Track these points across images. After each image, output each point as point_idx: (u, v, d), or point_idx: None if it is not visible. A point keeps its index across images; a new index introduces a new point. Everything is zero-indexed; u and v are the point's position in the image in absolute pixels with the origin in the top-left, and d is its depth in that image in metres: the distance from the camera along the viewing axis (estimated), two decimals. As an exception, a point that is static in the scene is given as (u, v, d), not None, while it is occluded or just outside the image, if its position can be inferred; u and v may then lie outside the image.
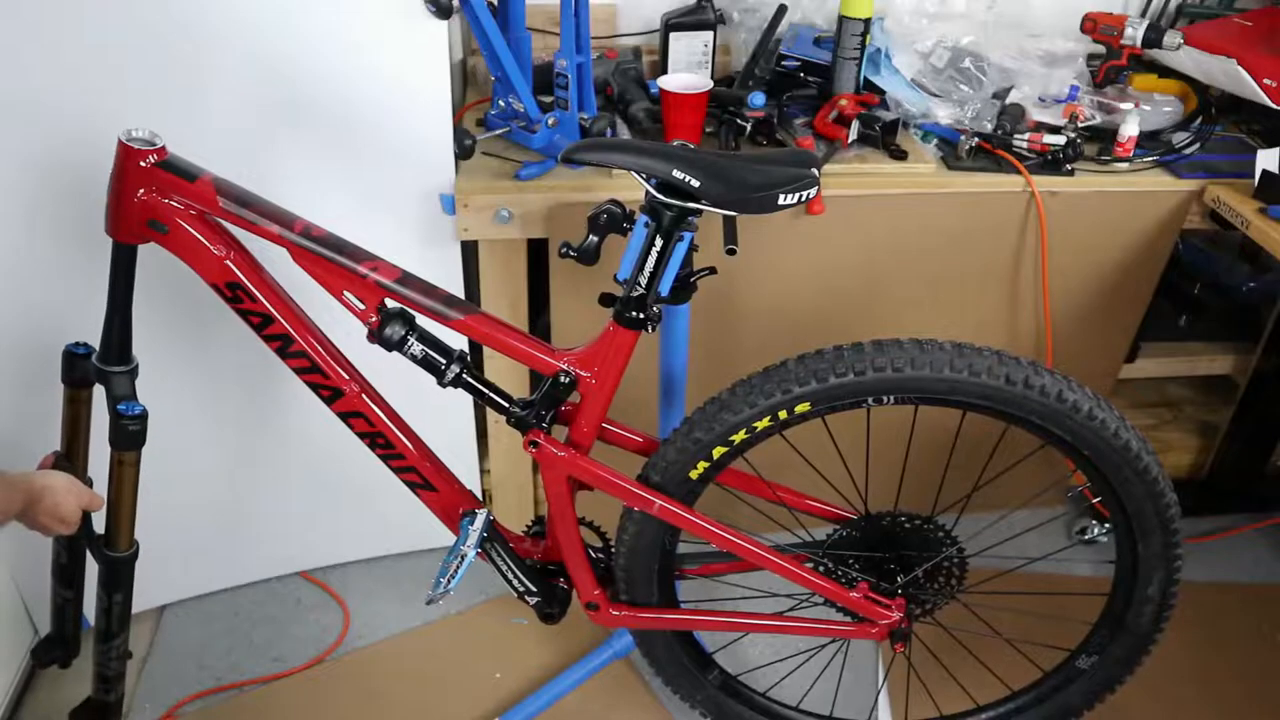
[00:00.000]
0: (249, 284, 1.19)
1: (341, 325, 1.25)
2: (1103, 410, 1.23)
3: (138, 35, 1.32)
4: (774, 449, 1.34)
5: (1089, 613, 1.48)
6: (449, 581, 1.26)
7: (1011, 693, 1.55)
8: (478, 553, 1.31)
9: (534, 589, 1.40)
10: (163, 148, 1.13)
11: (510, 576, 1.38)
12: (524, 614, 1.85)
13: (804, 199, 1.15)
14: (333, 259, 1.17)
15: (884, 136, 1.66)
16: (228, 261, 1.17)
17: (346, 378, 1.26)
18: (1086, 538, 2.06)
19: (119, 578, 1.34)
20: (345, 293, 1.19)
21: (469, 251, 1.69)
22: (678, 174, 1.09)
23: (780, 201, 1.14)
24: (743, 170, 1.14)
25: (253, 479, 1.80)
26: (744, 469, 1.38)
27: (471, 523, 1.31)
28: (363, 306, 1.20)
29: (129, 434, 1.23)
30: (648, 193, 1.14)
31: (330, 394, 1.26)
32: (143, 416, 1.23)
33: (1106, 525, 2.05)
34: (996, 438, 1.39)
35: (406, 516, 1.53)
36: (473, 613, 1.90)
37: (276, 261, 1.21)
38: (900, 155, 1.66)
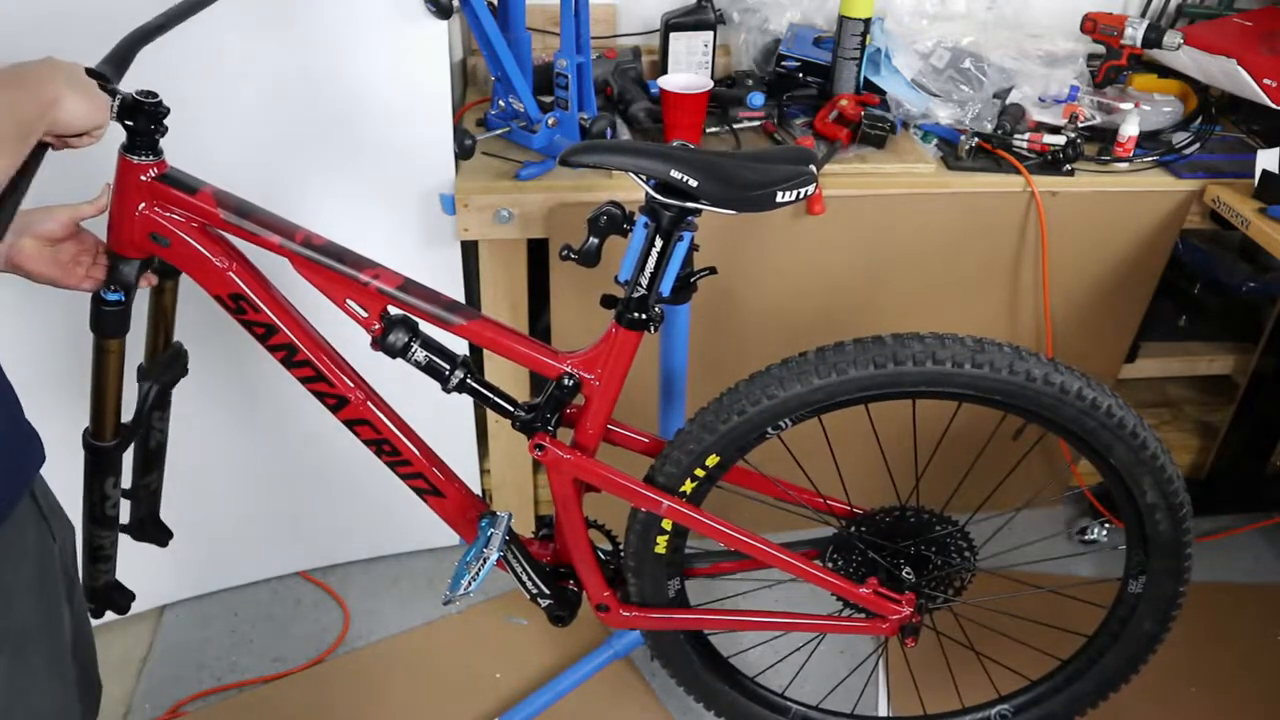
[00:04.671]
0: (252, 295, 1.18)
1: (344, 332, 1.24)
2: (1061, 374, 1.22)
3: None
4: (770, 454, 1.34)
5: (1104, 599, 1.47)
6: (470, 584, 1.26)
7: (1061, 662, 1.53)
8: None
9: (547, 592, 1.40)
10: (163, 161, 1.11)
11: (525, 579, 1.37)
12: (523, 614, 1.86)
13: (802, 196, 1.15)
14: (334, 267, 1.16)
15: (884, 136, 1.66)
16: (230, 273, 1.16)
17: (351, 385, 1.25)
18: (1087, 538, 2.07)
19: (100, 468, 1.28)
20: (348, 300, 1.18)
21: (469, 252, 1.69)
22: (675, 174, 1.09)
23: (778, 199, 1.13)
24: (740, 169, 1.14)
25: (252, 479, 1.80)
26: (745, 470, 1.38)
27: (492, 525, 1.31)
28: (365, 314, 1.19)
29: (108, 319, 1.16)
30: (646, 193, 1.14)
31: (336, 402, 1.25)
32: (119, 304, 1.15)
33: (1106, 526, 2.05)
34: (997, 432, 1.39)
35: (406, 517, 1.53)
36: (473, 613, 1.90)
37: (277, 270, 1.21)
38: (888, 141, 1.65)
